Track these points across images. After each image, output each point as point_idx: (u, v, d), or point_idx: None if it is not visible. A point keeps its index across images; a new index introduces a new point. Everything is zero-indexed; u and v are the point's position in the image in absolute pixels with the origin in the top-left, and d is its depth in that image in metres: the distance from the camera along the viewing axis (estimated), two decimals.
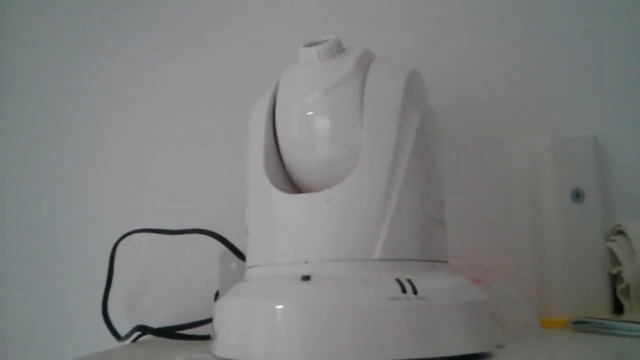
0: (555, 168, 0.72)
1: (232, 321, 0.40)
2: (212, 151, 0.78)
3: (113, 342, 0.65)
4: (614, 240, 0.68)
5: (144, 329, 0.63)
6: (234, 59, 0.80)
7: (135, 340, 0.65)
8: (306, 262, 0.38)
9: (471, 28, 0.78)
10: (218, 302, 0.44)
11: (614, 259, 0.68)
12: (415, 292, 0.36)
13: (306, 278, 0.37)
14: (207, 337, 0.56)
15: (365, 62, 0.43)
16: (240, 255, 0.60)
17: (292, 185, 0.46)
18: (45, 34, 0.84)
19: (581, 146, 0.73)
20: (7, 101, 0.83)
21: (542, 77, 0.77)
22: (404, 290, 0.36)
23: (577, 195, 0.71)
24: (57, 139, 0.81)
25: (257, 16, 0.81)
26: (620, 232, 0.68)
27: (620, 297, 0.67)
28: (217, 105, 0.79)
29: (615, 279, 0.68)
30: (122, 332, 0.65)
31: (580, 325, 0.58)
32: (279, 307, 0.37)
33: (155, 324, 0.67)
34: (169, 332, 0.64)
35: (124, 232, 0.68)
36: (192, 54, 0.81)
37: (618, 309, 0.68)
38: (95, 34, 0.83)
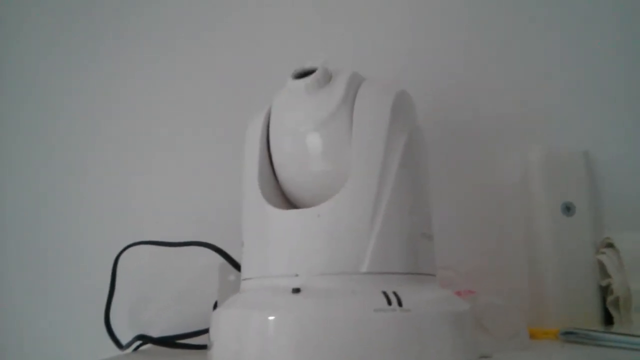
0: (546, 182, 0.73)
1: (227, 331, 0.42)
2: (212, 165, 0.79)
3: (115, 351, 0.66)
4: (603, 253, 0.69)
5: (144, 339, 0.65)
6: (234, 71, 0.82)
7: (136, 349, 0.67)
8: (297, 275, 0.40)
9: (463, 41, 0.80)
10: (214, 312, 0.46)
11: (604, 271, 0.69)
12: (400, 304, 0.38)
13: (296, 290, 0.39)
14: (205, 347, 0.58)
15: (353, 87, 0.45)
16: (238, 267, 0.62)
17: (285, 200, 0.48)
18: (45, 34, 0.85)
19: (572, 160, 0.74)
20: (7, 103, 0.84)
21: (534, 91, 0.78)
22: (389, 303, 0.38)
23: (568, 209, 0.72)
24: (57, 147, 0.82)
25: (257, 16, 0.82)
26: (610, 245, 0.69)
27: (610, 309, 0.68)
28: (218, 118, 0.80)
29: (605, 290, 0.69)
30: (124, 340, 0.66)
31: (569, 335, 0.59)
32: (270, 318, 0.39)
33: (155, 333, 0.68)
34: (169, 342, 0.65)
35: (126, 243, 0.70)
36: (191, 62, 0.82)
37: (608, 320, 0.69)
38: (95, 34, 0.84)
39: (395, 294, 0.38)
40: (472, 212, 0.75)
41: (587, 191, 0.73)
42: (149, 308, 0.75)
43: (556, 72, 0.79)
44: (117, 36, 0.84)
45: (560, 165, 0.74)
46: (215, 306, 0.64)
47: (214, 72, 0.82)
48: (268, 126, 0.48)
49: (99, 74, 0.83)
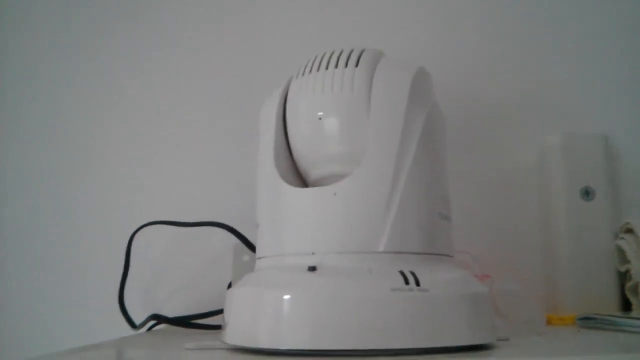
0: (565, 166, 0.72)
1: (241, 310, 0.42)
2: (227, 145, 0.79)
3: (128, 331, 0.67)
4: (623, 239, 0.68)
5: (158, 318, 0.65)
6: (237, 59, 0.81)
7: (150, 329, 0.67)
8: (313, 254, 0.40)
9: (481, 26, 0.79)
10: (229, 292, 0.45)
11: (623, 257, 0.68)
12: (418, 284, 0.37)
13: (313, 269, 0.39)
14: (219, 327, 0.58)
15: (373, 62, 0.45)
16: (253, 248, 0.62)
17: (301, 180, 0.47)
18: (47, 33, 0.85)
19: (591, 144, 0.73)
20: (12, 99, 0.85)
21: (552, 74, 0.77)
22: (407, 282, 0.37)
23: (587, 194, 0.71)
24: (66, 135, 0.83)
25: (260, 16, 0.82)
26: (630, 231, 0.68)
27: (629, 295, 0.67)
28: (232, 100, 0.80)
29: (624, 277, 0.68)
30: (138, 320, 0.67)
31: (587, 321, 0.59)
32: (286, 296, 0.38)
33: (169, 313, 0.68)
34: (183, 322, 0.65)
35: (140, 224, 0.70)
36: (204, 46, 0.82)
37: (626, 306, 0.68)
38: (100, 31, 0.84)
39: (412, 273, 0.38)
40: (488, 196, 0.75)
41: (606, 176, 0.72)
42: (163, 288, 0.76)
43: (574, 54, 0.78)
44: (125, 26, 0.84)
45: (579, 149, 0.73)
46: (229, 287, 0.64)
47: (227, 55, 0.82)
48: (284, 105, 0.47)
49: (107, 65, 0.83)
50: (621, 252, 0.68)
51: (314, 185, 0.46)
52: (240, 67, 0.81)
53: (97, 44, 0.84)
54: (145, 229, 0.70)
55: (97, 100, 0.83)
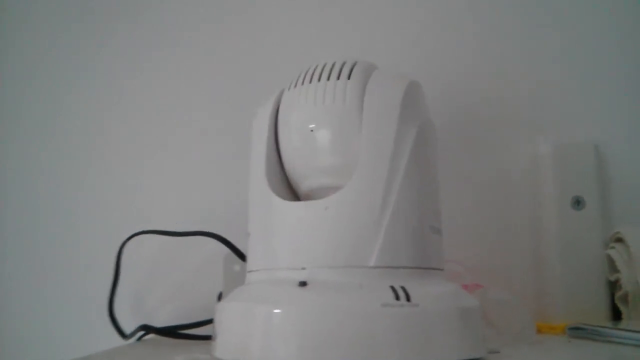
0: (555, 175, 0.72)
1: (231, 324, 0.41)
2: (217, 154, 0.79)
3: (118, 341, 0.66)
4: (613, 248, 0.68)
5: (148, 329, 0.64)
6: (237, 63, 0.81)
7: (139, 339, 0.67)
8: (303, 269, 0.40)
9: (471, 33, 0.79)
10: (219, 304, 0.45)
11: (613, 266, 0.68)
12: (408, 298, 0.37)
13: (303, 284, 0.38)
14: (208, 337, 0.58)
15: (365, 75, 0.44)
16: (243, 258, 0.62)
17: (292, 193, 0.47)
18: (47, 33, 0.85)
19: (582, 153, 0.73)
20: (12, 99, 0.84)
21: (542, 83, 0.77)
22: (397, 297, 0.37)
23: (577, 203, 0.71)
24: (62, 138, 0.82)
25: (260, 16, 0.82)
26: (620, 240, 0.68)
27: (618, 304, 0.67)
28: (222, 108, 0.80)
29: (613, 286, 0.68)
30: (128, 330, 0.66)
31: (577, 331, 0.59)
32: (276, 311, 0.38)
33: (159, 323, 0.68)
34: (172, 332, 0.65)
35: (130, 233, 0.70)
36: (195, 55, 0.82)
37: (616, 315, 0.68)
38: (101, 31, 0.84)
39: (403, 288, 0.38)
40: (480, 205, 0.75)
41: (597, 185, 0.72)
42: (152, 298, 0.75)
43: (565, 63, 0.77)
44: (124, 32, 0.84)
45: (569, 158, 0.73)
46: (219, 297, 0.64)
47: (219, 65, 0.81)
48: (276, 117, 0.47)
49: (107, 65, 0.83)
50: (611, 261, 0.68)
51: (305, 197, 0.46)
52: (240, 69, 0.80)
53: (97, 44, 0.84)
54: (135, 237, 0.70)
55: (97, 101, 0.83)
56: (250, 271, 0.45)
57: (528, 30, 0.78)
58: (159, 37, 0.83)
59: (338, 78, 0.44)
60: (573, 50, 0.78)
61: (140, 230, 0.70)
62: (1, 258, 0.80)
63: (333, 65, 0.45)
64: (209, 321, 0.65)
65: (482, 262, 0.70)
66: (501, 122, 0.77)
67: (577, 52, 0.78)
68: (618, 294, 0.67)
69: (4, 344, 0.78)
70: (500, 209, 0.75)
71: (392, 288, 0.38)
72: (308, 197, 0.46)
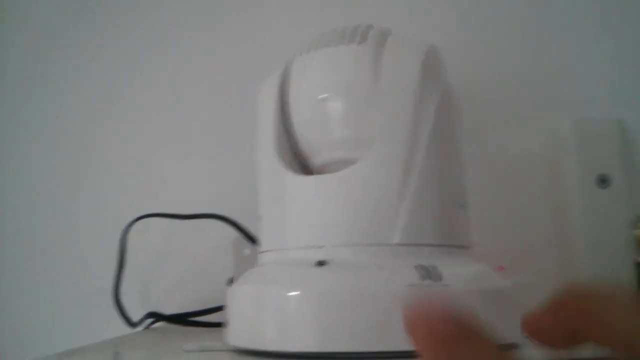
0: (578, 152, 0.69)
1: (244, 309, 0.38)
2: (226, 135, 0.76)
3: (125, 329, 0.64)
4: None
5: (156, 316, 0.62)
6: (241, 42, 0.78)
7: (147, 327, 0.64)
8: (321, 247, 0.36)
9: (489, 4, 0.75)
10: (230, 289, 0.42)
11: None
12: (436, 278, 0.34)
13: (321, 263, 0.35)
14: (219, 325, 0.55)
15: (380, 39, 0.41)
16: (254, 241, 0.59)
17: (303, 167, 0.44)
18: (47, 33, 0.83)
19: (606, 129, 0.70)
20: (12, 99, 0.82)
21: (564, 55, 0.74)
22: (424, 277, 0.34)
23: (602, 181, 0.68)
24: (70, 121, 0.80)
25: (263, 12, 0.79)
26: None
27: None
28: (229, 89, 0.77)
29: None
30: (134, 318, 0.64)
31: None
32: (293, 293, 0.35)
33: (167, 310, 0.66)
34: (182, 319, 0.62)
35: (135, 215, 0.67)
36: (200, 38, 0.79)
37: None
38: (101, 31, 0.82)
39: (431, 267, 0.35)
40: (499, 184, 0.72)
41: (622, 162, 0.69)
42: (160, 284, 0.73)
43: (588, 34, 0.74)
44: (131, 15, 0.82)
45: (593, 135, 0.70)
46: (230, 282, 0.61)
47: (225, 45, 0.79)
48: (282, 88, 0.44)
49: (111, 54, 0.81)
50: (638, 242, 0.65)
51: (317, 172, 0.43)
52: (239, 60, 0.78)
53: (97, 44, 0.82)
54: (140, 221, 0.67)
55: (95, 90, 0.80)
56: (262, 252, 0.42)
57: (550, 2, 0.75)
58: (159, 37, 0.80)
59: (352, 42, 0.41)
60: (596, 20, 0.74)
61: (145, 213, 0.67)
62: (4, 243, 0.78)
63: (346, 29, 0.41)
64: (219, 308, 0.63)
65: (504, 244, 0.67)
66: (519, 97, 0.73)
67: (599, 23, 0.74)
68: None
69: (9, 332, 0.76)
70: (521, 188, 0.72)
71: (420, 267, 0.35)
72: (320, 172, 0.42)
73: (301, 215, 0.39)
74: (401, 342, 0.33)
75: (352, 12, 0.77)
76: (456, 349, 0.21)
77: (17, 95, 0.83)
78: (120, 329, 0.63)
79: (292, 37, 0.75)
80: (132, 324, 0.64)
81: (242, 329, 0.38)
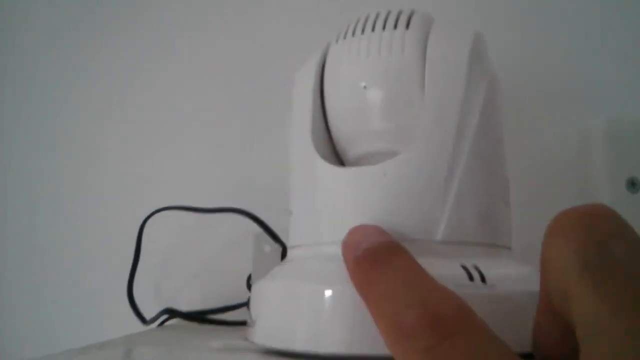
0: (608, 154, 0.67)
1: (273, 306, 0.36)
2: (249, 127, 0.74)
3: (138, 326, 0.62)
4: None
5: (172, 313, 0.60)
6: (242, 41, 0.77)
7: (161, 324, 0.63)
8: None
9: (519, 5, 0.73)
10: (256, 285, 0.40)
11: None
12: (483, 279, 0.32)
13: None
14: (240, 323, 0.53)
15: (425, 25, 0.39)
16: (275, 237, 0.57)
17: (338, 159, 0.42)
18: (47, 33, 0.83)
19: (637, 130, 0.68)
20: (19, 90, 0.82)
21: (595, 52, 0.71)
22: (470, 278, 0.32)
23: (633, 185, 0.66)
24: (70, 121, 0.79)
25: (263, 12, 0.78)
26: None
27: None
28: (230, 88, 0.76)
29: None
30: (148, 315, 0.62)
31: None
32: (327, 291, 0.33)
33: (182, 307, 0.64)
34: (200, 317, 0.61)
35: (152, 208, 0.65)
36: (200, 38, 0.79)
37: None
38: (101, 31, 0.82)
39: (476, 267, 0.33)
40: (525, 186, 0.69)
41: None
42: (175, 280, 0.71)
43: (620, 30, 0.71)
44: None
45: (623, 136, 0.67)
46: (249, 279, 0.59)
47: (225, 44, 0.78)
48: (322, 74, 0.42)
49: (115, 52, 0.81)
50: None
51: (353, 164, 0.41)
52: (241, 58, 0.77)
53: (97, 44, 0.81)
54: (157, 215, 0.65)
55: (111, 81, 0.80)
56: (292, 247, 0.40)
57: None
58: (159, 37, 0.80)
59: (395, 27, 0.38)
60: (628, 15, 0.72)
61: (162, 206, 0.65)
62: (4, 243, 0.77)
63: (388, 13, 0.39)
64: (238, 306, 0.61)
65: (530, 248, 0.65)
66: (547, 96, 0.71)
67: (632, 18, 0.71)
68: None
69: (9, 332, 0.75)
70: (547, 191, 0.70)
71: (464, 267, 0.32)
72: (357, 164, 0.40)
73: (337, 209, 0.37)
74: None
75: (352, 13, 0.75)
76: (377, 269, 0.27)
77: (17, 95, 0.82)
78: (121, 328, 0.60)
79: (292, 37, 0.75)
80: (145, 321, 0.62)
81: (271, 328, 0.36)
